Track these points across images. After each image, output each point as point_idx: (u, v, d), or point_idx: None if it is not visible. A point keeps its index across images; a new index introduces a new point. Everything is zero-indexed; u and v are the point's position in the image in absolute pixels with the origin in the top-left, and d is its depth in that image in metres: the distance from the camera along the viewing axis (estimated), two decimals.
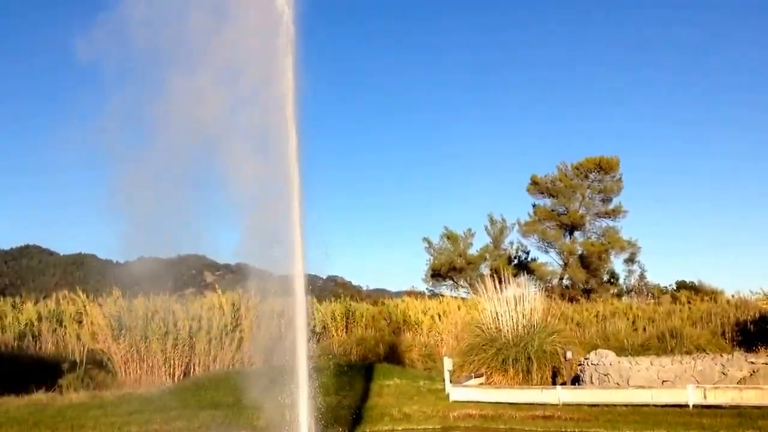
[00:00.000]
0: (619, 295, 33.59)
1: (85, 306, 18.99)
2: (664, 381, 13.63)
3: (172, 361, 17.59)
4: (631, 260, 35.50)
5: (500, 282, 18.00)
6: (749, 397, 11.53)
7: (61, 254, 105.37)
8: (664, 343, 20.40)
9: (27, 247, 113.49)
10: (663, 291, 33.97)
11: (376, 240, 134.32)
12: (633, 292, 35.25)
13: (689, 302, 26.18)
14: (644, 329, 22.76)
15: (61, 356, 18.20)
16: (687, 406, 11.78)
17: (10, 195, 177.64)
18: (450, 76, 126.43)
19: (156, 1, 9.13)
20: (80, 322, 19.01)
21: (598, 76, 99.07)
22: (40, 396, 13.65)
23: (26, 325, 18.82)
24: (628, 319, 24.05)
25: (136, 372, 17.25)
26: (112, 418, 11.62)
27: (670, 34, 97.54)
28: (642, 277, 36.12)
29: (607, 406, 12.30)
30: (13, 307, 19.85)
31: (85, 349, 18.25)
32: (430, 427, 11.72)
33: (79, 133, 9.36)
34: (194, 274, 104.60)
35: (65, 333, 19.17)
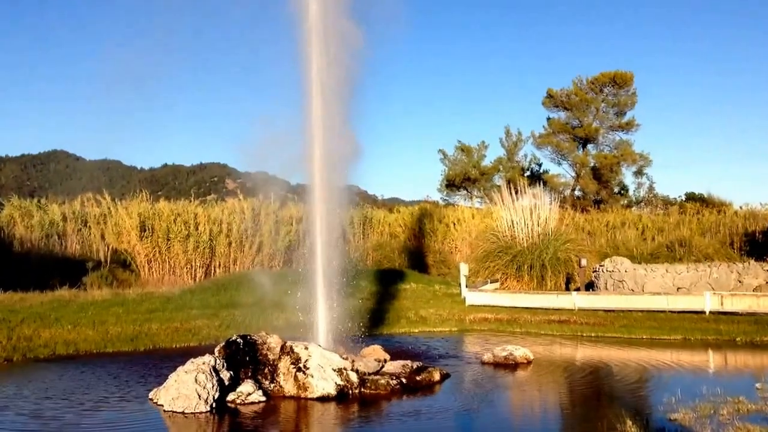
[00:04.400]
0: (628, 206, 33.62)
1: (109, 208, 19.09)
2: (679, 288, 13.83)
3: (193, 263, 17.95)
4: (639, 172, 35.38)
5: (515, 192, 18.01)
6: (767, 304, 11.68)
7: (88, 160, 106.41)
8: (673, 252, 20.65)
9: (55, 152, 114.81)
10: (672, 202, 33.86)
11: (391, 150, 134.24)
12: (643, 204, 35.25)
13: (698, 213, 26.06)
14: (653, 239, 22.94)
15: (86, 256, 18.50)
16: (703, 312, 12.02)
17: (39, 101, 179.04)
18: None
19: None
20: (105, 224, 19.16)
21: None
22: (63, 292, 13.74)
23: (51, 224, 18.98)
24: (637, 229, 24.17)
25: (159, 272, 17.64)
26: (134, 315, 11.72)
27: None
28: (651, 188, 36.06)
29: (622, 311, 12.57)
30: (39, 207, 19.92)
31: (110, 249, 18.56)
32: (447, 329, 11.76)
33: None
34: (216, 181, 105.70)
35: (90, 233, 19.41)
